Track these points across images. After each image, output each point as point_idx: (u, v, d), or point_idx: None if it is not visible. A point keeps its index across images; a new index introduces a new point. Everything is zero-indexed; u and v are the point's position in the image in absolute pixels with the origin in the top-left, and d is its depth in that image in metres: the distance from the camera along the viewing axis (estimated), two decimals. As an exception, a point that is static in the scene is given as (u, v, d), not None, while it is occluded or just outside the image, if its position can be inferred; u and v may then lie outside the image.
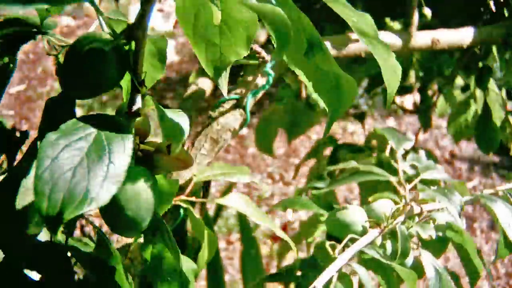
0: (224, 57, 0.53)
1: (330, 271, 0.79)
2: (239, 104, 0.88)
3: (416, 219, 0.87)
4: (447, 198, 0.82)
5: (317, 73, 0.51)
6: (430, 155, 1.40)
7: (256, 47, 0.89)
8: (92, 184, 0.40)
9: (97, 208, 0.40)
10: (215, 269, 1.87)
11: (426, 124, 1.46)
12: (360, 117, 1.57)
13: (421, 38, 1.14)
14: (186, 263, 0.61)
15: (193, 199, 0.75)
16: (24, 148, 0.52)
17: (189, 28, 0.51)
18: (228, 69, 0.54)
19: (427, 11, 1.20)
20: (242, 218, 1.88)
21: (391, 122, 4.02)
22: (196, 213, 0.78)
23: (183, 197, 0.74)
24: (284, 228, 2.38)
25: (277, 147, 3.70)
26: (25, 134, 0.49)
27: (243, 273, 1.98)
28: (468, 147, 3.87)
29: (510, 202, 0.88)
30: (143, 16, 0.49)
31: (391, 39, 1.11)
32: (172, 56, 4.28)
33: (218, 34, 0.52)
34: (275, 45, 0.45)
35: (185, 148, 0.87)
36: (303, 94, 1.44)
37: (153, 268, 0.55)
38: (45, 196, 0.39)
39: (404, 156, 1.04)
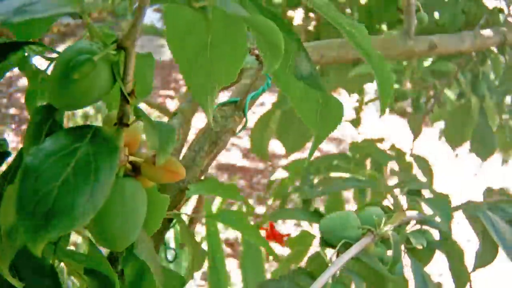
0: (212, 81, 0.52)
1: (325, 277, 0.79)
2: (238, 106, 0.88)
3: (406, 227, 0.88)
4: (436, 208, 0.83)
5: (304, 92, 0.50)
6: (423, 164, 1.40)
7: (255, 50, 0.89)
8: (77, 202, 0.40)
9: (82, 226, 0.39)
10: (216, 268, 1.87)
11: (416, 131, 1.45)
12: (355, 122, 1.57)
13: (419, 43, 1.14)
14: (172, 277, 0.61)
15: (186, 213, 0.75)
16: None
17: (177, 50, 0.51)
18: (215, 95, 0.53)
19: (424, 16, 1.19)
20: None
21: (390, 121, 4.02)
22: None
23: (175, 211, 0.74)
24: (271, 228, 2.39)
25: (277, 145, 3.70)
26: (6, 154, 0.49)
27: (243, 273, 1.98)
28: (467, 146, 3.88)
29: (496, 213, 0.89)
30: (133, 26, 0.48)
31: (390, 43, 1.11)
32: (170, 55, 4.27)
33: (207, 57, 0.51)
34: (265, 59, 0.45)
35: (185, 149, 0.87)
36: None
37: (133, 285, 0.54)
38: (28, 213, 0.39)
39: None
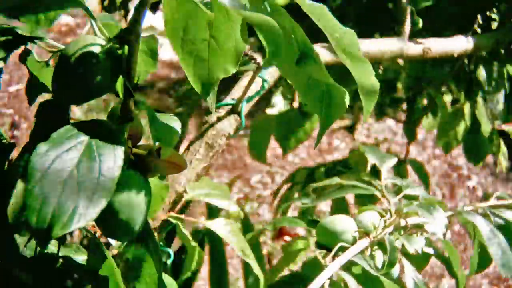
0: (212, 73, 0.52)
1: (320, 280, 0.78)
2: (234, 109, 0.88)
3: (402, 231, 0.88)
4: (431, 214, 0.83)
5: (308, 82, 0.50)
6: (419, 169, 1.40)
7: (251, 53, 0.89)
8: (82, 198, 0.40)
9: (86, 224, 0.40)
10: (218, 268, 1.86)
11: (411, 136, 1.46)
12: (350, 129, 1.57)
13: (413, 46, 1.15)
14: (166, 279, 0.61)
15: (182, 216, 0.75)
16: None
17: (177, 42, 0.51)
18: (216, 86, 0.53)
19: (418, 20, 1.20)
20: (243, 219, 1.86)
21: (384, 125, 4.02)
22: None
23: (173, 213, 0.74)
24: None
25: (277, 145, 3.65)
26: (11, 145, 0.49)
27: (244, 273, 1.96)
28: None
29: (489, 219, 0.90)
30: (136, 20, 0.48)
31: (384, 46, 1.12)
32: (171, 55, 4.24)
33: (206, 49, 0.51)
34: (267, 54, 0.45)
35: (181, 151, 0.87)
36: (296, 103, 1.43)
37: (133, 270, 0.54)
38: (35, 211, 0.39)
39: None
